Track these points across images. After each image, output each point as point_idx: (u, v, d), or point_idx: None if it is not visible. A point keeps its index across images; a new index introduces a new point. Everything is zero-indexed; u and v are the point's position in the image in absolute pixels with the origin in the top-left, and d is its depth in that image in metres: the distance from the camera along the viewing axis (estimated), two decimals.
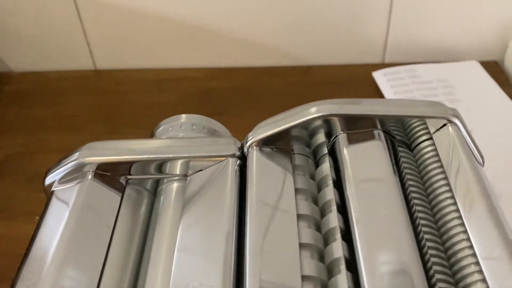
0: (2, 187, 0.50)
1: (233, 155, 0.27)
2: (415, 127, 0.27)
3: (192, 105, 0.60)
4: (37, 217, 0.47)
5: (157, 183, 0.29)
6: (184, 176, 0.28)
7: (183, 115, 0.31)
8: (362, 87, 0.61)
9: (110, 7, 0.61)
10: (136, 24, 0.63)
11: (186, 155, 0.27)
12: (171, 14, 0.62)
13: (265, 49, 0.65)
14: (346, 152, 0.25)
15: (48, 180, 0.28)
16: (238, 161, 0.27)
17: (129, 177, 0.28)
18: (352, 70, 0.65)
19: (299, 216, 0.23)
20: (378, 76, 0.61)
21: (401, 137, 0.27)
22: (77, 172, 0.27)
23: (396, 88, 0.58)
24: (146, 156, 0.27)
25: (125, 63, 0.66)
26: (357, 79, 0.63)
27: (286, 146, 0.27)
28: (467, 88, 0.58)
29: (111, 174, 0.27)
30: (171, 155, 0.27)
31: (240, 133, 0.56)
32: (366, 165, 0.24)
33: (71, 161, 0.27)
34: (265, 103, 0.59)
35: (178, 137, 0.30)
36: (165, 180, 0.28)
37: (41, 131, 0.57)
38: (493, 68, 0.62)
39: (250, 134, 0.27)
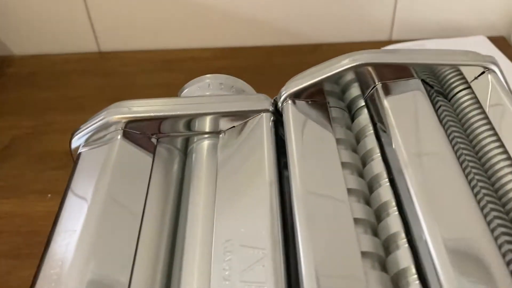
0: (11, 167, 0.49)
1: (266, 110, 0.26)
2: (451, 77, 0.26)
3: None
4: (49, 195, 0.46)
5: (187, 141, 0.28)
6: (216, 133, 0.27)
7: (209, 75, 0.30)
8: None
9: None
10: (141, 4, 0.62)
11: (218, 111, 0.26)
12: None
13: (273, 28, 0.64)
14: (387, 102, 0.24)
15: (74, 143, 0.27)
16: (272, 117, 0.26)
17: (159, 135, 0.27)
18: (361, 47, 0.63)
19: (343, 165, 0.23)
20: None
21: (437, 87, 0.26)
22: (105, 132, 0.26)
23: None
24: (177, 112, 0.26)
25: (129, 45, 0.65)
26: None
27: (321, 99, 0.26)
28: None
29: (140, 133, 0.26)
30: (203, 111, 0.26)
31: None
32: (410, 115, 0.24)
33: (98, 121, 0.26)
34: (276, 82, 0.58)
35: (206, 94, 0.29)
36: (195, 138, 0.27)
37: (48, 113, 0.56)
38: (501, 43, 0.62)
39: (283, 88, 0.26)
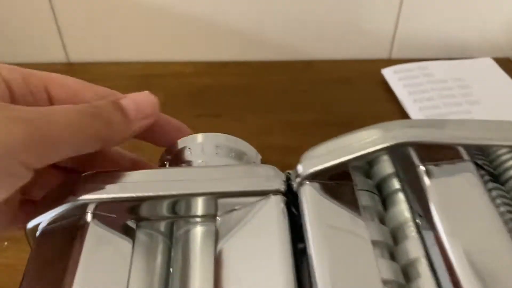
0: None
1: (277, 191, 0.21)
2: (503, 155, 0.21)
3: (182, 105, 0.52)
4: (5, 243, 0.40)
5: (172, 225, 0.22)
6: (211, 216, 0.21)
7: (201, 135, 0.24)
8: (371, 86, 0.55)
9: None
10: (114, 11, 0.55)
11: (215, 191, 0.21)
12: (154, 1, 0.54)
13: (261, 42, 0.58)
14: (434, 192, 0.19)
15: (31, 223, 0.21)
16: (284, 199, 0.21)
17: (138, 219, 0.21)
18: (356, 65, 0.59)
19: (384, 283, 0.17)
20: (388, 73, 0.55)
21: (488, 167, 0.21)
22: (71, 214, 0.20)
23: (410, 88, 0.53)
24: (161, 192, 0.21)
25: (101, 56, 0.58)
26: (364, 76, 0.57)
27: (346, 179, 0.21)
28: (484, 88, 0.53)
29: (116, 216, 0.21)
30: (195, 191, 0.21)
31: (244, 138, 0.50)
32: (464, 208, 0.18)
33: (62, 202, 0.20)
34: (265, 103, 0.53)
35: (199, 163, 0.23)
36: (184, 223, 0.22)
37: None
38: (507, 66, 0.58)
39: (300, 165, 0.21)
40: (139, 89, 0.55)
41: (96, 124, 0.20)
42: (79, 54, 0.58)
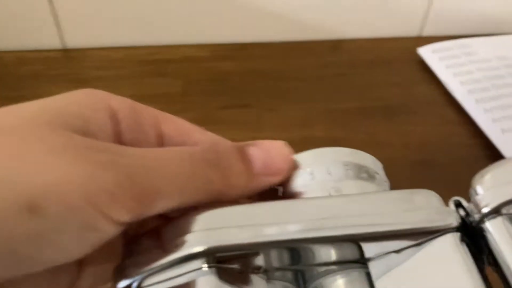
0: None
1: (452, 229, 0.16)
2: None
3: (204, 95, 0.46)
4: None
5: (297, 274, 0.17)
6: (359, 262, 0.16)
7: (319, 151, 0.18)
8: (408, 67, 0.51)
9: None
10: None
11: (366, 231, 0.16)
12: None
13: (284, 21, 0.52)
14: None
15: (122, 283, 0.15)
16: (462, 237, 0.16)
17: (268, 269, 0.16)
18: (388, 44, 0.54)
19: None
20: (426, 53, 0.50)
21: None
22: (181, 269, 0.15)
23: (454, 68, 0.48)
24: (298, 235, 0.15)
25: (103, 40, 0.51)
26: (398, 56, 0.52)
27: None
28: None
29: (241, 267, 0.15)
30: (341, 233, 0.15)
31: (277, 132, 0.44)
32: None
33: (173, 256, 0.15)
34: (297, 89, 0.47)
35: (332, 192, 0.18)
36: (320, 271, 0.16)
37: None
38: None
39: (482, 192, 0.16)
40: (152, 76, 0.49)
41: (211, 175, 0.16)
42: (77, 38, 0.51)
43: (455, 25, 0.55)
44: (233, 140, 0.45)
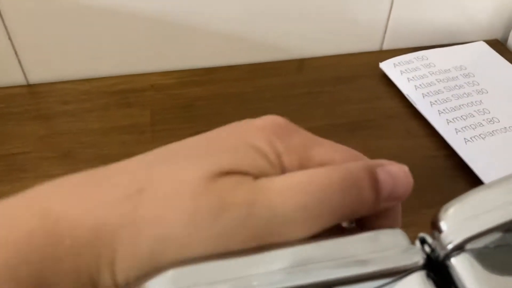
0: None
1: (417, 266, 0.16)
2: None
3: (174, 122, 0.46)
4: None
5: None
6: None
7: None
8: (371, 82, 0.52)
9: (40, 2, 0.45)
10: (76, 22, 0.48)
11: (336, 277, 0.16)
12: (123, 5, 0.47)
13: (247, 43, 0.53)
14: None
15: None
16: (429, 275, 0.16)
17: None
18: (350, 60, 0.55)
19: None
20: (387, 67, 0.52)
21: None
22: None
23: (415, 81, 0.50)
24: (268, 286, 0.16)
25: (67, 73, 0.51)
26: (362, 72, 0.53)
27: (502, 240, 0.16)
28: (487, 74, 0.51)
29: None
30: (317, 279, 0.16)
31: None
32: None
33: None
34: (265, 111, 0.47)
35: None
36: None
37: None
38: (498, 47, 0.56)
39: (445, 229, 0.16)
40: (119, 107, 0.49)
41: (348, 197, 0.16)
42: (40, 73, 0.50)
43: (413, 37, 0.56)
44: None
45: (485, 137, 0.43)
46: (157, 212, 0.15)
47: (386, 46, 0.57)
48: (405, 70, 0.51)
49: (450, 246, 0.16)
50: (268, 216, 0.16)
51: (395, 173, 0.18)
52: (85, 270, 0.15)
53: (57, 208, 0.15)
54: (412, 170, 0.42)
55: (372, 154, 0.43)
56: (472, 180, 0.41)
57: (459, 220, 0.16)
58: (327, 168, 0.17)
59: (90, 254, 0.15)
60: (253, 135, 0.18)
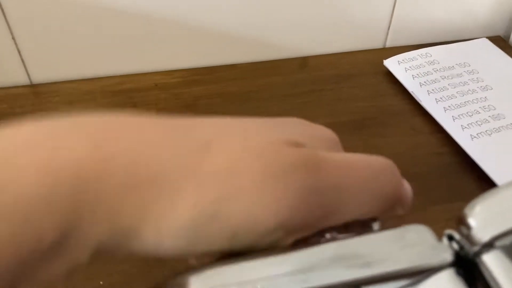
0: None
1: (445, 263, 0.16)
2: None
3: None
4: (101, 282, 0.32)
5: None
6: None
7: None
8: (375, 79, 0.52)
9: (43, 2, 0.45)
10: (78, 20, 0.47)
11: (369, 274, 0.16)
12: (126, 5, 0.47)
13: (250, 41, 0.53)
14: None
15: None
16: (459, 273, 0.16)
17: None
18: (354, 58, 0.55)
19: None
20: (392, 64, 0.52)
21: None
22: None
23: (420, 78, 0.50)
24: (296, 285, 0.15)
25: (70, 73, 0.50)
26: (365, 69, 0.53)
27: None
28: (491, 70, 0.51)
29: None
30: (344, 278, 0.16)
31: None
32: None
33: None
34: (268, 110, 0.48)
35: (327, 236, 0.18)
36: None
37: None
38: (501, 44, 0.56)
39: (474, 225, 0.16)
40: (123, 106, 0.48)
41: (391, 183, 0.18)
42: (43, 73, 0.50)
43: (415, 35, 0.56)
44: None
45: (491, 134, 0.43)
46: (226, 165, 0.14)
47: (389, 44, 0.57)
48: (410, 67, 0.51)
49: (480, 243, 0.16)
50: (333, 186, 0.16)
51: (406, 182, 0.19)
52: (127, 220, 0.13)
53: (114, 142, 0.14)
54: (418, 167, 0.42)
55: (377, 152, 0.43)
56: (479, 177, 0.41)
57: (487, 216, 0.16)
58: (372, 156, 0.18)
59: (140, 200, 0.13)
60: (318, 132, 0.19)
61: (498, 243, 0.16)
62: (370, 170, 0.17)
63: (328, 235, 0.18)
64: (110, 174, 0.13)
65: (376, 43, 0.56)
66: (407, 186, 0.19)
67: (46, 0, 0.45)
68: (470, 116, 0.45)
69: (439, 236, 0.18)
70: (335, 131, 0.47)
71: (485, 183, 0.40)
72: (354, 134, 0.45)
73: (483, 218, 0.16)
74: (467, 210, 0.17)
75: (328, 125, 0.46)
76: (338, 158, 0.17)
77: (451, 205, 0.39)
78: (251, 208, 0.14)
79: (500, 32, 0.59)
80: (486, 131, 0.43)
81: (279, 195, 0.14)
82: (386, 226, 0.20)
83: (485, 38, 0.56)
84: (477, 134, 0.43)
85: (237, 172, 0.14)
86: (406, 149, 0.44)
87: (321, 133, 0.19)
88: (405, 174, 0.41)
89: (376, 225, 0.19)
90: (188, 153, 0.14)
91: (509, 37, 0.58)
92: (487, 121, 0.45)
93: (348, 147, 0.43)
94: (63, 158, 0.13)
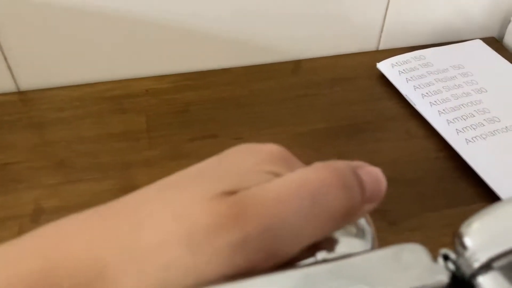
0: None
1: (442, 285, 0.15)
2: None
3: (169, 128, 0.45)
4: None
5: None
6: None
7: None
8: (369, 82, 0.51)
9: (29, 5, 0.44)
10: (66, 26, 0.47)
11: None
12: (115, 9, 0.46)
13: (242, 45, 0.52)
14: None
15: None
16: None
17: None
18: (347, 61, 0.54)
19: None
20: (385, 67, 0.51)
21: None
22: None
23: (414, 81, 0.49)
24: None
25: (58, 79, 0.49)
26: (359, 73, 0.52)
27: None
28: (484, 72, 0.50)
29: None
30: None
31: None
32: None
33: None
34: (262, 115, 0.47)
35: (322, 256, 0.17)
36: None
37: None
38: (495, 45, 0.56)
39: (471, 245, 0.15)
40: (114, 113, 0.48)
41: (343, 196, 0.16)
42: (31, 80, 0.49)
43: (409, 37, 0.56)
44: None
45: (486, 137, 0.43)
46: (158, 239, 0.15)
47: (382, 46, 0.56)
48: (403, 70, 0.50)
49: (477, 264, 0.15)
50: (265, 228, 0.15)
51: (374, 174, 0.18)
52: None
53: (59, 249, 0.15)
54: (413, 173, 0.42)
55: (372, 157, 0.43)
56: (475, 182, 0.40)
57: (485, 236, 0.16)
58: (315, 167, 0.16)
59: None
60: (260, 159, 0.18)
61: (496, 264, 0.15)
62: (307, 194, 0.16)
63: (319, 256, 0.17)
64: (58, 282, 0.14)
65: (370, 46, 0.56)
66: (372, 176, 0.17)
67: (33, 5, 0.44)
68: (465, 119, 0.45)
69: (435, 244, 0.17)
70: (331, 136, 0.47)
71: (481, 189, 0.40)
72: (350, 139, 0.45)
73: (480, 237, 0.16)
74: (463, 229, 0.17)
75: (323, 130, 0.46)
76: (269, 194, 0.16)
77: (447, 211, 0.39)
78: (186, 278, 0.15)
79: (494, 33, 0.58)
80: (481, 135, 0.43)
81: (208, 260, 0.14)
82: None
83: (479, 40, 0.56)
84: (472, 138, 0.43)
85: (168, 245, 0.15)
86: (401, 154, 0.44)
87: (262, 157, 0.18)
88: (401, 179, 0.41)
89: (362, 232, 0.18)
90: (124, 240, 0.15)
91: (503, 38, 0.57)
92: (482, 125, 0.44)
93: (343, 152, 0.43)
94: (14, 275, 0.14)
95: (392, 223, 0.38)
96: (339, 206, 0.16)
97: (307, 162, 0.46)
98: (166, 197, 0.16)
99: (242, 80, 0.51)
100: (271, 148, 0.19)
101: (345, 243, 0.18)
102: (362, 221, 0.19)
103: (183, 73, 0.52)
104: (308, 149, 0.44)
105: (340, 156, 0.43)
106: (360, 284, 0.15)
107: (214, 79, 0.51)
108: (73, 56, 0.48)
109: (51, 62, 0.48)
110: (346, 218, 0.16)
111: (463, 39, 0.56)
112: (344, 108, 0.48)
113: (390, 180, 0.42)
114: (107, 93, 0.49)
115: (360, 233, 0.19)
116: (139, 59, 0.50)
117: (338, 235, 0.18)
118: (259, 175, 0.17)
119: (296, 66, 0.53)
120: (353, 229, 0.19)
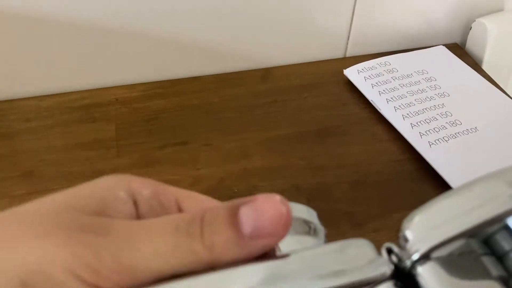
0: None
1: (384, 276, 0.16)
2: None
3: (138, 136, 0.46)
4: None
5: None
6: None
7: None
8: (336, 88, 0.52)
9: None
10: (36, 35, 0.47)
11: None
12: (83, 19, 0.47)
13: (211, 53, 0.53)
14: None
15: None
16: (395, 284, 0.16)
17: None
18: (315, 68, 0.56)
19: None
20: (351, 74, 0.52)
21: None
22: None
23: (379, 87, 0.50)
24: None
25: (27, 88, 0.49)
26: (326, 79, 0.54)
27: (466, 247, 0.17)
28: (447, 77, 0.52)
29: None
30: None
31: (215, 167, 0.44)
32: None
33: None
34: (231, 121, 0.48)
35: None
36: None
37: None
38: (457, 51, 0.57)
39: (411, 238, 0.16)
40: (83, 122, 0.48)
41: (194, 246, 0.16)
42: (0, 90, 0.49)
43: (375, 44, 0.57)
44: (173, 179, 0.44)
45: (448, 140, 0.44)
46: None
47: (349, 53, 0.57)
48: (369, 76, 0.52)
49: (416, 256, 0.16)
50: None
51: (261, 205, 0.16)
52: None
53: None
54: (378, 175, 0.43)
55: (339, 160, 0.44)
56: (437, 183, 0.42)
57: (423, 228, 0.17)
58: (185, 215, 0.17)
59: None
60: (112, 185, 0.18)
61: (434, 254, 0.16)
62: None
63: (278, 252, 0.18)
64: None
65: (337, 53, 0.57)
66: (258, 213, 0.16)
67: (0, 15, 0.44)
68: (428, 123, 0.46)
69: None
70: (299, 140, 0.48)
71: (443, 189, 0.41)
72: (317, 143, 0.46)
73: (419, 230, 0.17)
74: (405, 223, 0.17)
75: (291, 135, 0.46)
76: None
77: (411, 211, 0.40)
78: None
79: (456, 39, 0.60)
80: (443, 138, 0.44)
81: None
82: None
83: (442, 46, 0.57)
84: (435, 141, 0.44)
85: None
86: (367, 156, 0.45)
87: (122, 181, 0.19)
88: (366, 182, 0.42)
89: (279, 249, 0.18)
90: None
91: (465, 44, 0.59)
92: (444, 128, 0.45)
93: (312, 157, 0.44)
94: None
95: (357, 224, 0.39)
96: (190, 256, 0.16)
97: (275, 167, 0.47)
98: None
99: (212, 87, 0.52)
100: (119, 176, 0.19)
101: (298, 242, 0.19)
102: (316, 221, 0.20)
103: (153, 82, 0.52)
104: (275, 154, 0.44)
105: (308, 160, 0.44)
106: (305, 276, 0.16)
107: (184, 87, 0.52)
108: (42, 66, 0.48)
109: (19, 72, 0.48)
110: (210, 262, 0.16)
111: (427, 45, 0.58)
112: (312, 113, 0.49)
113: (355, 182, 0.43)
114: (76, 103, 0.49)
115: (312, 232, 0.20)
116: (108, 68, 0.50)
117: (291, 234, 0.19)
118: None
119: (265, 74, 0.54)
120: (306, 228, 0.19)
